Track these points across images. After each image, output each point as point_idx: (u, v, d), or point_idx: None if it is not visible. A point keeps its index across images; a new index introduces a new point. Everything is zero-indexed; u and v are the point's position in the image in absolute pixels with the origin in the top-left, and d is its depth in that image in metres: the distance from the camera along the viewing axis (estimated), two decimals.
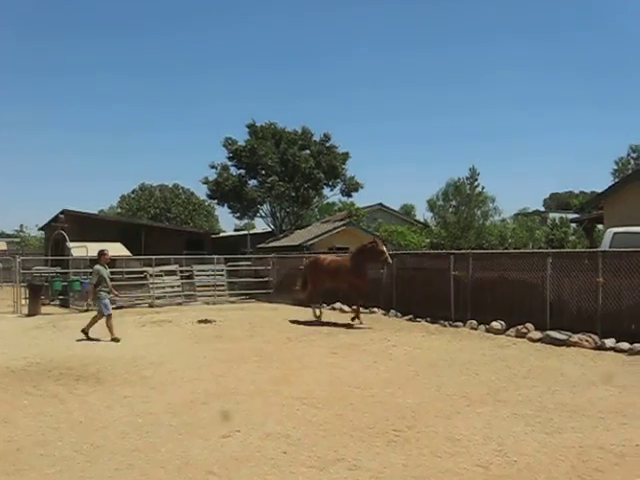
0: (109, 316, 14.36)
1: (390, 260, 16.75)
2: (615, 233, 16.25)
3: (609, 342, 12.45)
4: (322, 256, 19.38)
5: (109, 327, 14.26)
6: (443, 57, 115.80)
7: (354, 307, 17.48)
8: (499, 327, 14.76)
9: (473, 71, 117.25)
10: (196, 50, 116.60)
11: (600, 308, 13.11)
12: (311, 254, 24.88)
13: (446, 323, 16.34)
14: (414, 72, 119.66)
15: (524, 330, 14.02)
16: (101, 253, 14.86)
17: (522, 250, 26.73)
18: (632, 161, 60.68)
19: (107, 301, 14.49)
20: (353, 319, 16.90)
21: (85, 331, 14.42)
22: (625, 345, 12.12)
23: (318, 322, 17.52)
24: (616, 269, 12.93)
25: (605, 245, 16.12)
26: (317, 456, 6.26)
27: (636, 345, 11.95)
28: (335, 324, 17.08)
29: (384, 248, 16.57)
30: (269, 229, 43.93)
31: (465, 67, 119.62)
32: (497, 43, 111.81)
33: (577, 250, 22.99)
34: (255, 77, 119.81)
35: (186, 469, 5.98)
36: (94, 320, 14.55)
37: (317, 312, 18.01)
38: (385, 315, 18.77)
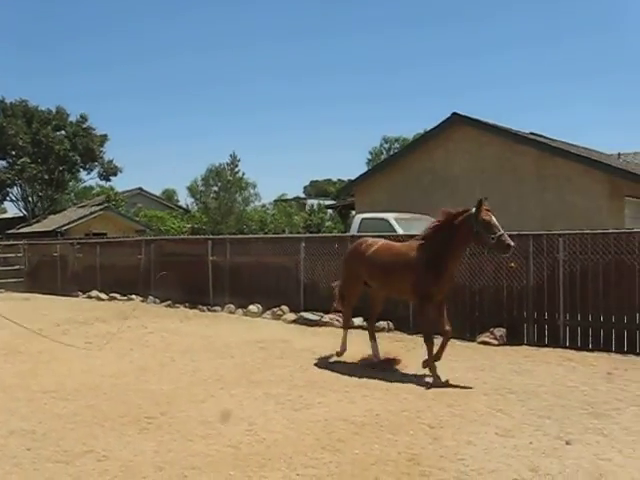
0: None
1: (510, 242, 8.18)
2: (363, 219, 17.35)
3: (357, 320, 13.16)
4: (368, 240, 10.23)
5: None
6: (213, 58, 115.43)
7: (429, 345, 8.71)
8: (256, 310, 15.11)
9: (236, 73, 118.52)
10: None
11: None
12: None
13: (205, 308, 16.42)
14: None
15: (279, 312, 14.50)
16: None
17: (278, 235, 27.50)
18: (384, 151, 64.92)
19: None
20: (425, 365, 8.66)
21: None
22: None
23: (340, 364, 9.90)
24: None
25: (354, 230, 17.13)
26: (64, 450, 6.03)
27: (381, 322, 12.83)
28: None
29: (494, 219, 8.26)
30: (20, 214, 41.37)
31: (232, 69, 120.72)
32: (260, 47, 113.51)
33: (327, 235, 23.90)
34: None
35: None
36: None
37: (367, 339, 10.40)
38: (143, 302, 18.40)
